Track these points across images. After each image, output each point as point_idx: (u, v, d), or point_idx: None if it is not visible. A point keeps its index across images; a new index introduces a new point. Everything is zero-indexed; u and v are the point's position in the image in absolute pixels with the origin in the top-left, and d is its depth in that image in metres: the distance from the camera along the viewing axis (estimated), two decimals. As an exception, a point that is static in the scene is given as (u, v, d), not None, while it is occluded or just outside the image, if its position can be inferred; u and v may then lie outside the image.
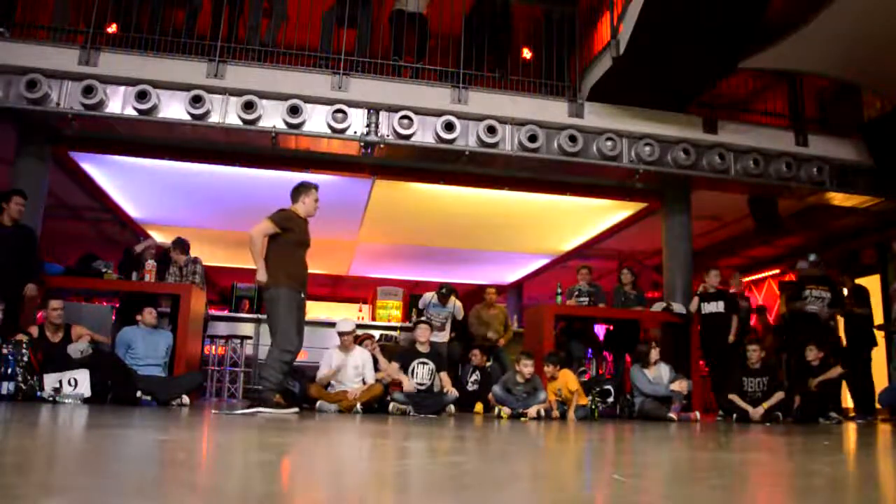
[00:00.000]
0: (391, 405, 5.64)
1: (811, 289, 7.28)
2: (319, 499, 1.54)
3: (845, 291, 7.64)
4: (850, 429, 5.63)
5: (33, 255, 5.76)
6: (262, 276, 4.85)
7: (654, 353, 6.33)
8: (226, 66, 6.56)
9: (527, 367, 5.84)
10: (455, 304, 7.70)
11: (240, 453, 2.56)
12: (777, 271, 10.96)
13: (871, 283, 9.08)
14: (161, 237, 9.90)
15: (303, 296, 5.02)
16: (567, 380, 6.03)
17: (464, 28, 7.24)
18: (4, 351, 4.98)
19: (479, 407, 6.51)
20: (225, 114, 6.45)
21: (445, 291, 7.58)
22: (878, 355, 7.67)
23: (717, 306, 7.05)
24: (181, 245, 7.10)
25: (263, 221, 4.97)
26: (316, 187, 5.22)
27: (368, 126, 6.68)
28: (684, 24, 5.88)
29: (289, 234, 4.96)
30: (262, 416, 4.50)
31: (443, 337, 7.51)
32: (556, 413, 5.86)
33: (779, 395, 6.28)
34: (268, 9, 7.15)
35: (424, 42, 7.34)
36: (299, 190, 5.18)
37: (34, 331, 5.38)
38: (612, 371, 7.87)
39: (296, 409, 4.95)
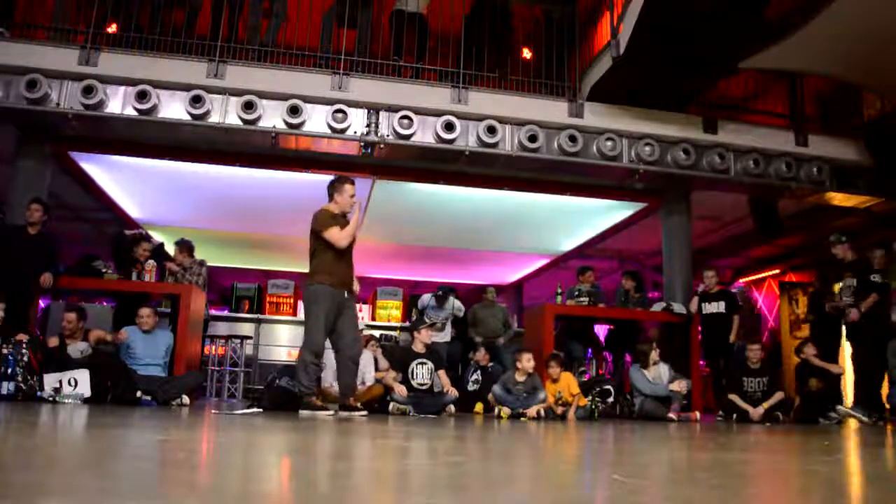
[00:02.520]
0: (391, 405, 5.64)
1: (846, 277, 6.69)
2: (319, 498, 1.54)
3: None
4: (852, 429, 5.62)
5: (53, 263, 5.89)
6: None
7: (654, 354, 6.32)
8: (226, 66, 6.56)
9: (529, 363, 5.84)
10: (454, 303, 7.71)
11: (240, 453, 2.56)
12: (777, 271, 10.96)
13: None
14: (161, 237, 9.90)
15: (346, 294, 4.97)
16: (569, 383, 6.04)
17: (464, 28, 7.24)
18: (4, 351, 4.98)
19: (478, 407, 6.52)
20: (225, 114, 6.45)
21: (442, 293, 7.58)
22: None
23: (718, 306, 7.05)
24: (187, 247, 7.09)
25: (329, 236, 4.88)
26: (351, 182, 5.15)
27: (368, 126, 6.68)
28: (684, 24, 5.88)
29: None
30: (259, 416, 4.52)
31: (443, 337, 7.51)
32: (557, 409, 5.86)
33: (778, 395, 6.28)
34: (268, 9, 7.15)
35: (424, 42, 7.34)
36: (333, 186, 5.12)
37: (54, 341, 5.43)
38: (612, 371, 7.88)
39: (332, 412, 4.95)
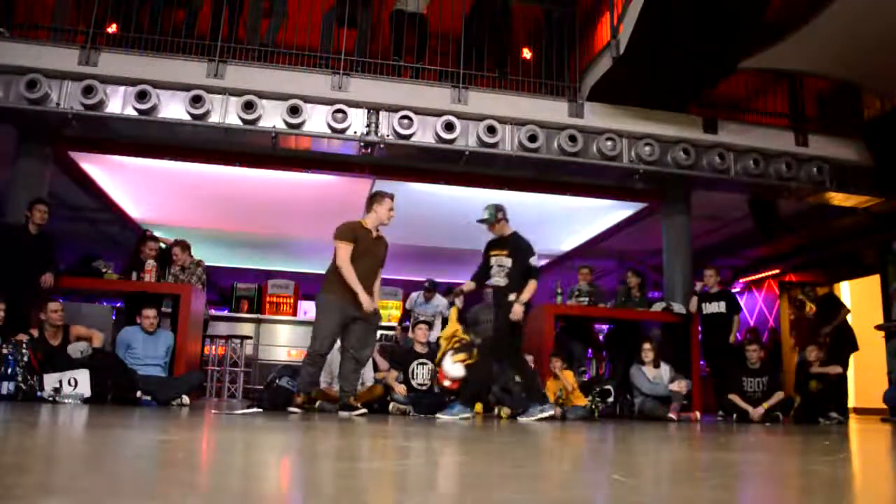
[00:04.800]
0: (391, 405, 5.64)
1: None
2: (319, 499, 1.54)
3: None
4: (852, 429, 5.62)
5: (53, 261, 5.90)
6: (367, 303, 4.87)
7: (648, 353, 6.32)
8: (226, 66, 6.56)
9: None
10: (443, 300, 7.70)
11: (240, 453, 2.56)
12: (777, 271, 10.95)
13: (871, 284, 9.09)
14: (161, 237, 9.90)
15: (360, 311, 4.99)
16: (568, 380, 6.05)
17: (464, 28, 7.24)
18: (4, 351, 4.97)
19: (478, 407, 6.51)
20: (225, 114, 6.45)
21: (429, 286, 7.57)
22: (878, 355, 7.68)
23: (719, 306, 7.04)
24: (186, 246, 7.09)
25: (339, 247, 4.97)
26: (391, 196, 5.20)
27: (368, 126, 6.68)
28: (684, 24, 5.88)
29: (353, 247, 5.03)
30: (259, 416, 4.52)
31: (432, 336, 7.50)
32: (557, 410, 5.86)
33: (779, 395, 6.28)
34: (268, 9, 7.15)
35: (424, 42, 7.34)
36: (374, 198, 5.20)
37: (34, 333, 5.40)
38: (611, 371, 7.86)
39: (299, 411, 5.02)
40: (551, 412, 5.15)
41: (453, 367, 5.02)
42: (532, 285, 5.19)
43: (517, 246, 5.32)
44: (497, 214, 5.39)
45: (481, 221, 5.41)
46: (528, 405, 5.20)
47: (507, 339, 5.23)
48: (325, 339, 4.98)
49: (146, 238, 6.86)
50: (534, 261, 5.28)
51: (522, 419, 5.10)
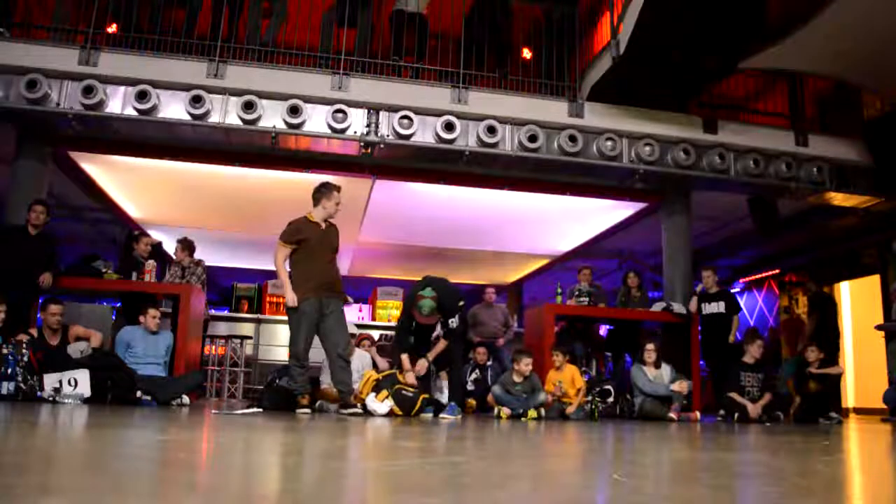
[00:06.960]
0: (391, 405, 5.63)
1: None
2: (319, 499, 1.54)
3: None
4: (853, 429, 5.62)
5: (52, 262, 5.90)
6: (290, 300, 4.97)
7: (651, 354, 6.32)
8: (226, 66, 6.56)
9: (527, 366, 5.84)
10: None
11: (240, 453, 2.56)
12: (777, 271, 10.95)
13: (871, 284, 9.09)
14: (161, 237, 9.90)
15: (328, 298, 5.05)
16: (573, 376, 6.06)
17: (464, 28, 7.24)
18: (4, 351, 4.97)
19: (471, 402, 6.46)
20: (225, 114, 6.46)
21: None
22: (878, 355, 7.68)
23: (718, 307, 7.05)
24: (188, 245, 7.09)
25: (277, 246, 5.08)
26: (338, 189, 5.22)
27: (368, 126, 6.68)
28: (684, 23, 5.88)
29: (303, 244, 5.06)
30: (259, 416, 4.52)
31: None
32: (551, 400, 5.87)
33: (767, 397, 6.28)
34: (268, 9, 7.15)
35: (424, 42, 7.34)
36: (321, 191, 5.19)
37: (34, 332, 5.40)
38: (612, 371, 7.87)
39: (307, 410, 5.05)
40: (457, 417, 5.39)
41: (380, 405, 5.20)
42: (441, 344, 5.60)
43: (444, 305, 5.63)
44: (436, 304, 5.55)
45: (428, 315, 5.52)
46: (450, 406, 5.46)
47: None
48: (301, 338, 5.01)
49: (138, 236, 6.86)
50: (454, 322, 5.65)
51: (443, 416, 5.34)
